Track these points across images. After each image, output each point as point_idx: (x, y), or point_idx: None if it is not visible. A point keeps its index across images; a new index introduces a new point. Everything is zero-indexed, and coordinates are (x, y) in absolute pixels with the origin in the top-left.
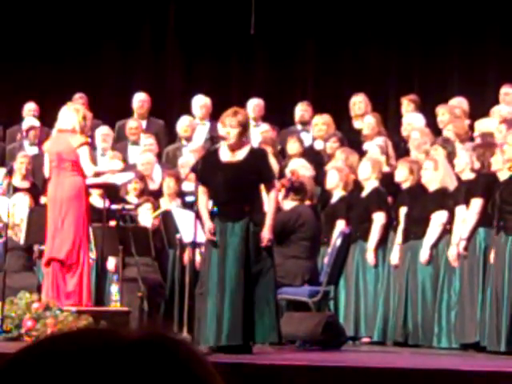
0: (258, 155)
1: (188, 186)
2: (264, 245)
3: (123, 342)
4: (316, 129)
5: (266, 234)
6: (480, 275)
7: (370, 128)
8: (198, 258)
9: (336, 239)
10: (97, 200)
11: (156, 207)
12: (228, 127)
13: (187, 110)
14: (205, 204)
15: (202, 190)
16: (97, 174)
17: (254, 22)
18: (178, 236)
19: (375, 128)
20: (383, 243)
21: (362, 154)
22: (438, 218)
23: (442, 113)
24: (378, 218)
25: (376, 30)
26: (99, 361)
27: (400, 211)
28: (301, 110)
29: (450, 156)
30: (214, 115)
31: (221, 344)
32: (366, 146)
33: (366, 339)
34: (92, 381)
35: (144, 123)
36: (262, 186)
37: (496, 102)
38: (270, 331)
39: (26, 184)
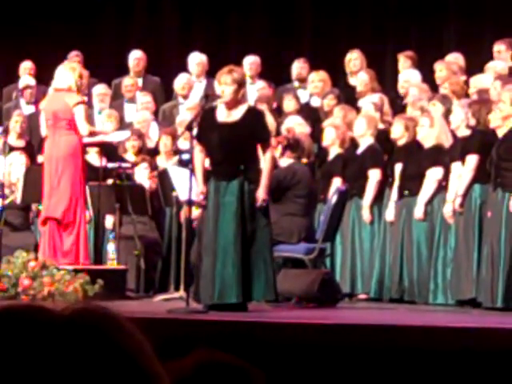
0: (254, 115)
1: (184, 144)
2: (258, 205)
3: (51, 318)
4: (312, 86)
5: (261, 194)
6: (476, 231)
7: (363, 84)
8: (194, 215)
9: (332, 196)
10: (94, 158)
11: (152, 166)
12: (223, 85)
13: (183, 68)
14: (201, 163)
15: (198, 148)
16: (92, 134)
17: None
18: (174, 194)
19: (368, 84)
20: (379, 200)
21: (358, 110)
22: (433, 175)
23: (440, 69)
24: (374, 175)
25: None
26: (24, 338)
27: (395, 168)
28: (298, 67)
29: (447, 113)
30: (211, 73)
31: (213, 302)
32: (360, 103)
33: (362, 296)
34: (16, 357)
35: (140, 81)
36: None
37: (491, 58)
38: (266, 289)
39: (21, 143)
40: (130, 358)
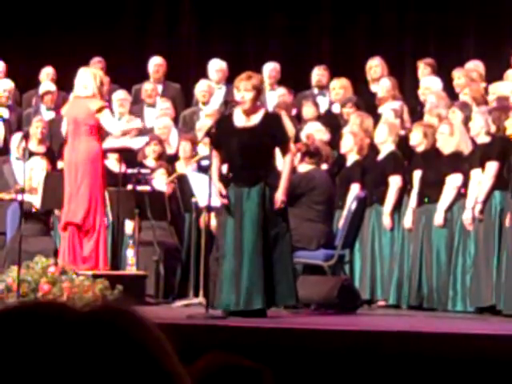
0: (272, 119)
1: (204, 149)
2: (277, 207)
3: (71, 315)
4: (333, 93)
5: (280, 195)
6: (496, 238)
7: (384, 91)
8: (213, 221)
9: (351, 203)
10: (113, 164)
11: (170, 172)
12: (242, 91)
13: (203, 74)
14: (217, 168)
15: (215, 154)
16: (123, 133)
17: None
18: (193, 200)
19: (390, 91)
20: (399, 207)
21: (378, 117)
22: (453, 181)
23: (458, 76)
24: (394, 182)
25: None
26: (45, 334)
27: (414, 175)
28: (317, 74)
29: (466, 120)
30: (230, 79)
31: (239, 309)
32: (380, 110)
33: (381, 302)
34: (34, 353)
35: (160, 87)
36: (277, 150)
37: (510, 65)
38: (287, 294)
39: (41, 148)
40: (151, 356)
